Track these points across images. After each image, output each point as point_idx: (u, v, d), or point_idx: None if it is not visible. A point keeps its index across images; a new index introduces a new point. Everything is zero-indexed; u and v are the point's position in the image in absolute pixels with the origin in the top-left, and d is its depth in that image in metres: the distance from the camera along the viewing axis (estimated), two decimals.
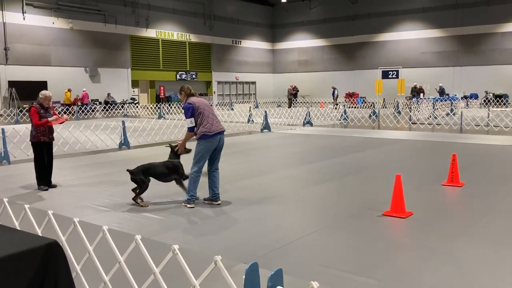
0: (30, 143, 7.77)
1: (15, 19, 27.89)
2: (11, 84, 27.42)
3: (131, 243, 3.04)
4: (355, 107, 32.00)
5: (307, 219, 5.93)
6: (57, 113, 7.97)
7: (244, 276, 2.30)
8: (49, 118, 7.51)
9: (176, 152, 6.93)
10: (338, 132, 16.85)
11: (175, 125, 18.20)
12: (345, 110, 21.72)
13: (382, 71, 30.98)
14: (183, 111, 6.71)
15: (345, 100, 35.33)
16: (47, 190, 7.64)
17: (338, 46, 41.79)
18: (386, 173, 8.70)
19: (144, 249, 2.92)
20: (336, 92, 33.45)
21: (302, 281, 3.87)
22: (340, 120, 21.28)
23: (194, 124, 6.48)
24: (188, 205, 6.50)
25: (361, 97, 35.38)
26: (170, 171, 6.79)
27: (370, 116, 22.92)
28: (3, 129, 10.83)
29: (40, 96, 7.67)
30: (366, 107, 31.25)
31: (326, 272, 4.15)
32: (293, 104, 31.05)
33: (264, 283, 2.27)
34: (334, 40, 41.96)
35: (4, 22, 27.37)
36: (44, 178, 7.74)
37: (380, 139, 14.46)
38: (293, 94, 34.94)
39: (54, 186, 7.86)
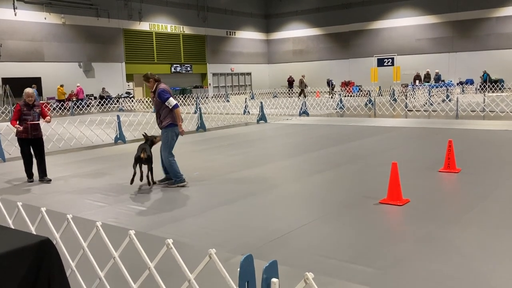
0: None
1: (6, 15, 27.63)
2: (5, 81, 27.23)
3: (126, 238, 3.02)
4: (351, 96, 31.96)
5: (303, 209, 5.92)
6: (45, 110, 8.12)
7: (239, 268, 2.29)
8: (15, 125, 7.66)
9: (152, 142, 7.39)
10: (334, 121, 16.83)
11: None
12: (341, 99, 21.69)
13: (378, 59, 30.89)
14: (157, 97, 7.11)
15: (341, 89, 35.27)
16: (32, 181, 7.98)
17: (333, 34, 41.65)
18: (382, 161, 8.70)
19: (138, 244, 2.90)
20: (332, 83, 33.37)
21: (299, 272, 3.86)
22: (336, 109, 21.25)
23: (176, 101, 7.10)
24: (181, 184, 7.17)
25: (357, 86, 35.34)
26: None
27: (366, 104, 22.89)
28: None
29: (23, 94, 7.89)
30: (362, 95, 31.21)
31: (323, 261, 4.14)
32: (303, 94, 29.92)
33: (260, 275, 2.25)
34: (329, 28, 41.81)
35: None
36: (30, 172, 8.03)
37: (376, 127, 14.45)
38: (298, 84, 34.01)
39: (49, 181, 7.94)
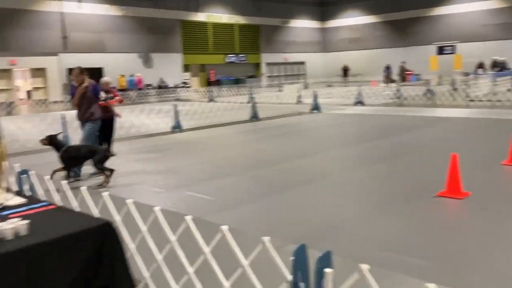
0: None
1: (72, 8, 28.96)
2: (70, 71, 28.63)
3: (183, 223, 3.11)
4: (409, 85, 30.90)
5: (357, 200, 5.84)
6: (117, 94, 9.71)
7: (292, 258, 2.30)
8: (104, 101, 8.84)
9: None
10: (391, 111, 16.38)
11: (225, 107, 18.37)
12: (398, 89, 21.04)
13: (437, 46, 29.62)
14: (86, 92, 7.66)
15: (398, 78, 34.20)
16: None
17: (391, 22, 40.37)
18: (441, 153, 8.38)
19: (195, 230, 2.98)
20: (390, 70, 32.33)
21: (352, 263, 3.82)
22: (393, 98, 20.65)
23: None
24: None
25: (415, 74, 34.12)
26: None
27: (424, 93, 22.08)
28: (63, 114, 11.35)
29: (100, 82, 9.12)
30: (420, 84, 30.10)
31: (378, 253, 4.08)
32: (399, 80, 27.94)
33: (313, 265, 2.26)
34: (386, 16, 40.56)
35: (62, 12, 28.51)
36: None
37: (435, 117, 13.92)
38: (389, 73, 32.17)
39: (114, 155, 8.88)
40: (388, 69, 32.55)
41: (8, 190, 3.12)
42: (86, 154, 6.85)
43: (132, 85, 29.36)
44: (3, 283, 2.15)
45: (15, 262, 2.21)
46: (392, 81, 32.07)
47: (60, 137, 7.06)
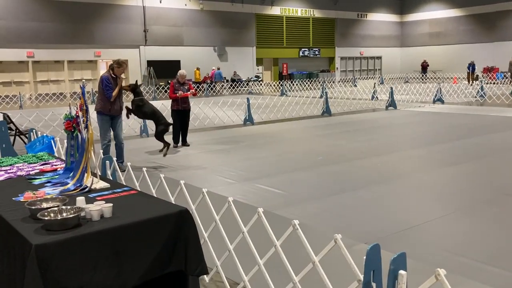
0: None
1: (153, 2, 30.19)
2: (149, 63, 29.99)
3: (253, 215, 3.17)
4: (494, 83, 29.00)
5: (434, 202, 5.59)
6: (192, 87, 9.92)
7: (365, 257, 2.26)
8: (177, 93, 9.45)
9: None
10: (473, 110, 15.47)
11: (296, 102, 18.32)
12: (482, 87, 19.82)
13: None
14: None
15: (483, 75, 32.18)
16: (176, 147, 9.62)
17: (476, 15, 37.97)
18: None
19: (266, 222, 3.02)
20: (474, 67, 30.47)
21: (426, 267, 3.68)
22: (476, 97, 19.50)
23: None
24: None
25: (501, 72, 31.90)
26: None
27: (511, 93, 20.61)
28: None
29: (177, 74, 9.74)
30: (507, 83, 28.12)
31: (454, 259, 3.89)
32: None
33: (385, 266, 2.20)
34: (471, 9, 38.20)
35: (144, 6, 29.83)
36: (177, 138, 9.69)
37: None
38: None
39: (188, 145, 9.75)
40: (471, 66, 30.74)
41: (94, 174, 3.33)
42: (152, 115, 7.75)
43: (219, 78, 30.44)
44: (89, 259, 2.31)
45: (100, 241, 2.36)
46: (476, 78, 30.27)
47: (140, 88, 7.85)
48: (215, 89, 29.08)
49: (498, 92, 20.52)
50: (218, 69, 30.84)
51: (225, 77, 32.51)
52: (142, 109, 7.66)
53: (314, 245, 3.21)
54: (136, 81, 8.06)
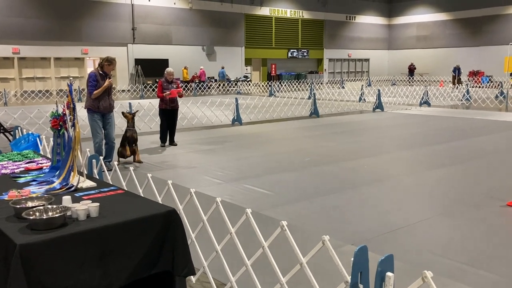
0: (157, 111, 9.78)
1: (142, 0, 29.99)
2: (137, 61, 29.78)
3: (241, 216, 3.16)
4: (479, 87, 29.40)
5: (420, 205, 5.64)
6: (179, 85, 9.76)
7: (352, 258, 2.26)
8: (164, 93, 9.29)
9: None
10: (459, 113, 15.66)
11: (284, 102, 18.35)
12: (467, 90, 20.06)
13: None
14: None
15: (468, 79, 32.58)
16: (163, 146, 9.54)
17: (463, 20, 38.46)
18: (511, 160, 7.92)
19: (254, 223, 3.01)
20: (459, 71, 30.87)
21: (412, 269, 3.71)
22: (461, 100, 19.73)
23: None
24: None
25: (486, 76, 32.35)
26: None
27: (496, 96, 20.91)
28: (130, 103, 11.85)
29: (165, 72, 9.58)
30: (492, 86, 28.53)
31: (440, 261, 3.93)
32: None
33: (372, 267, 2.21)
34: (458, 13, 38.67)
35: (132, 4, 29.62)
36: (164, 138, 9.58)
37: (508, 122, 13.15)
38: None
39: (175, 144, 9.67)
40: (457, 69, 31.12)
41: (80, 173, 3.29)
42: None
43: (222, 77, 30.55)
44: (74, 259, 2.28)
45: (86, 241, 2.33)
46: (460, 82, 30.66)
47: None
48: (220, 87, 29.67)
49: (484, 95, 20.80)
50: (222, 68, 31.06)
51: (227, 76, 32.49)
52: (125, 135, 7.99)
53: (302, 246, 3.22)
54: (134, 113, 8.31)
